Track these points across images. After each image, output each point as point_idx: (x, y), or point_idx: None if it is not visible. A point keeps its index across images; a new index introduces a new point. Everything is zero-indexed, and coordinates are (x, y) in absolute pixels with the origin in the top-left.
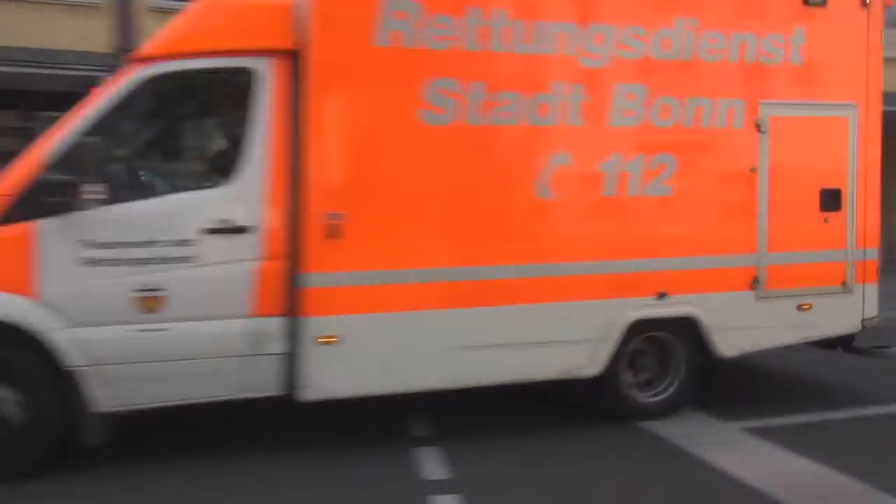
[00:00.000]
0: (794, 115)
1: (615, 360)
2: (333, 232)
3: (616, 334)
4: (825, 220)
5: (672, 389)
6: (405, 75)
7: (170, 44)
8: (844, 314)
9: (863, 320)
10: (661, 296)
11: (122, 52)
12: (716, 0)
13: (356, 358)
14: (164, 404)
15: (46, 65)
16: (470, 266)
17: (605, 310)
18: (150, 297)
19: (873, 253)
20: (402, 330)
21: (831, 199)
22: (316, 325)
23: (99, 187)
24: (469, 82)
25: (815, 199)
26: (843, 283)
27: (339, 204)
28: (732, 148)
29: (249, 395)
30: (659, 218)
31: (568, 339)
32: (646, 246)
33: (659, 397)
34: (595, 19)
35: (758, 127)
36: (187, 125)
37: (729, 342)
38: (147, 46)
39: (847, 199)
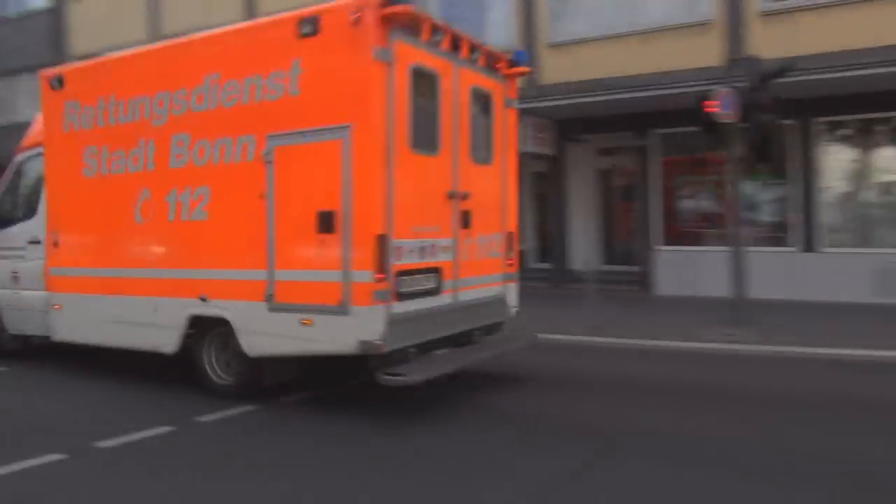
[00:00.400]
0: (294, 143)
1: (198, 344)
2: (54, 243)
3: (181, 323)
4: (321, 242)
5: (235, 377)
6: (74, 147)
7: (28, 140)
8: (342, 333)
9: (361, 341)
10: (203, 299)
11: (734, 63)
12: (231, 53)
13: (67, 319)
14: (23, 333)
15: (661, 86)
16: (107, 267)
17: (173, 305)
18: (15, 276)
19: (365, 276)
20: (82, 305)
21: (326, 222)
22: (51, 298)
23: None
24: (100, 146)
25: (313, 222)
26: (339, 303)
27: (55, 227)
28: (248, 178)
29: (45, 333)
30: (200, 237)
31: (155, 324)
32: (193, 259)
33: (228, 381)
34: (157, 90)
35: (263, 158)
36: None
37: (252, 344)
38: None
39: (341, 221)
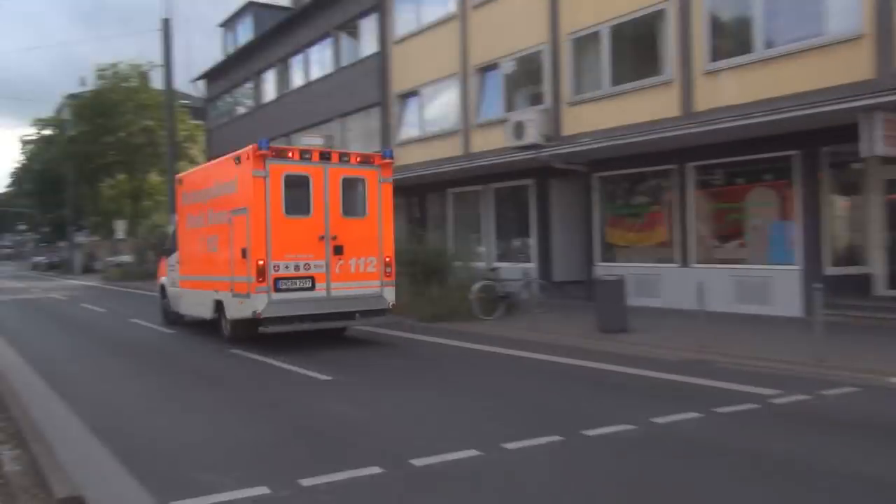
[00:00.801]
0: (236, 214)
1: (218, 314)
2: (178, 263)
3: (211, 304)
4: (243, 263)
5: (229, 332)
6: (184, 213)
7: None
8: (248, 307)
9: (254, 311)
10: (216, 291)
11: None
12: (219, 170)
13: (182, 302)
14: (176, 311)
15: None
16: (191, 276)
17: (209, 294)
18: (173, 281)
19: (253, 279)
20: (186, 295)
21: (244, 253)
22: (178, 291)
23: None
24: (191, 213)
25: (240, 253)
26: (247, 293)
27: (179, 254)
28: (225, 230)
29: (179, 310)
30: (214, 260)
31: (204, 303)
32: (213, 271)
33: (228, 333)
34: (203, 186)
35: (228, 221)
36: None
37: (228, 313)
38: None
39: (249, 252)
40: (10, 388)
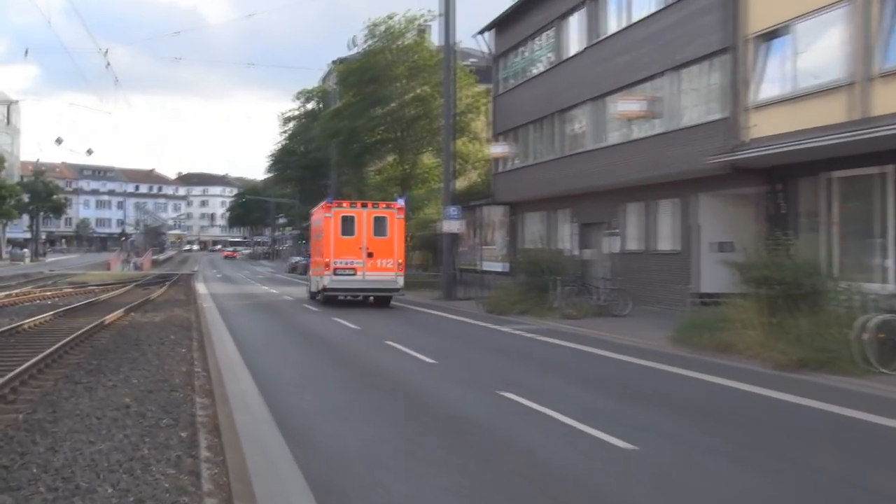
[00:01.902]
0: (316, 239)
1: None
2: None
3: (314, 284)
4: (324, 260)
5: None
6: (312, 233)
7: None
8: (322, 282)
9: (324, 286)
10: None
11: None
12: (317, 212)
13: (311, 286)
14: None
15: None
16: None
17: (315, 279)
18: (310, 272)
19: (324, 268)
20: (313, 280)
21: (321, 256)
22: (311, 278)
23: None
24: (313, 234)
25: (323, 256)
26: (322, 275)
27: (310, 255)
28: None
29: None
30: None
31: (313, 283)
32: (316, 265)
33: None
34: (314, 219)
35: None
36: None
37: (317, 286)
38: None
39: (326, 255)
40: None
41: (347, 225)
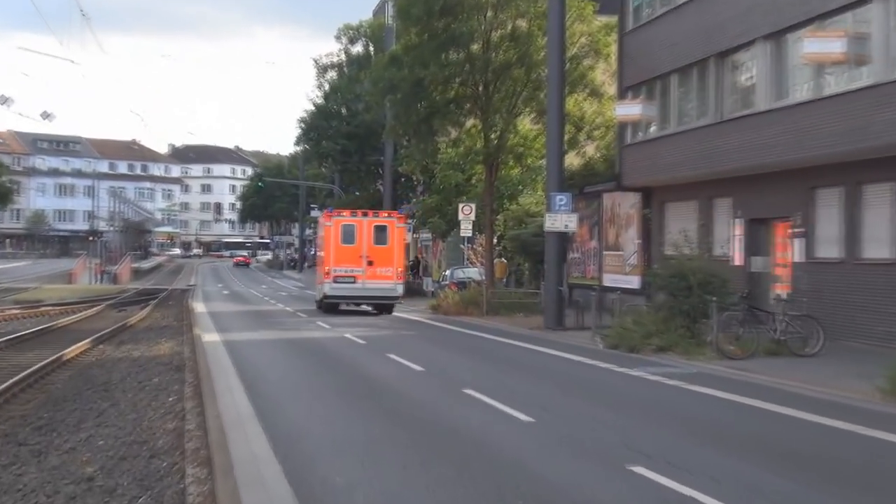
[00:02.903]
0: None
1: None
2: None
3: (322, 290)
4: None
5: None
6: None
7: None
8: (322, 290)
9: (324, 293)
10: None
11: None
12: (320, 222)
13: (316, 293)
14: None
15: None
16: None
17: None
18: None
19: (323, 275)
20: (317, 288)
21: (321, 263)
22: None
23: None
24: (326, 238)
25: (323, 261)
26: (321, 283)
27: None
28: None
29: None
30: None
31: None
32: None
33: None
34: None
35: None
36: None
37: (319, 294)
38: None
39: (326, 261)
40: None
41: (348, 234)
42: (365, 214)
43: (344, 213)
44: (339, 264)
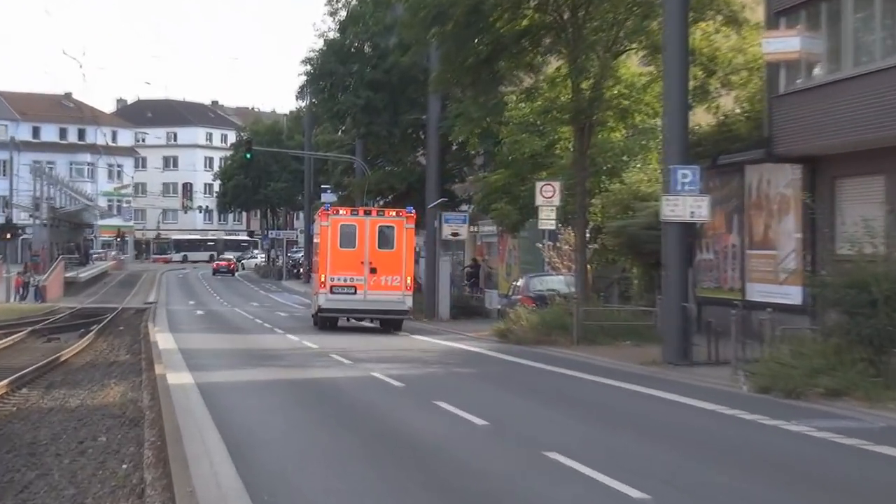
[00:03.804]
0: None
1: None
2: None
3: (317, 302)
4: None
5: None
6: (316, 240)
7: None
8: (317, 302)
9: (319, 306)
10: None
11: None
12: (317, 221)
13: (313, 304)
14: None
15: None
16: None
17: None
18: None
19: (320, 285)
20: (313, 298)
21: (316, 268)
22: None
23: None
24: (324, 240)
25: (318, 269)
26: (317, 293)
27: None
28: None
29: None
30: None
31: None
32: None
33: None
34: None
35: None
36: None
37: (314, 305)
38: None
39: (322, 268)
40: None
41: (347, 235)
42: (367, 213)
43: (343, 212)
44: (337, 272)
